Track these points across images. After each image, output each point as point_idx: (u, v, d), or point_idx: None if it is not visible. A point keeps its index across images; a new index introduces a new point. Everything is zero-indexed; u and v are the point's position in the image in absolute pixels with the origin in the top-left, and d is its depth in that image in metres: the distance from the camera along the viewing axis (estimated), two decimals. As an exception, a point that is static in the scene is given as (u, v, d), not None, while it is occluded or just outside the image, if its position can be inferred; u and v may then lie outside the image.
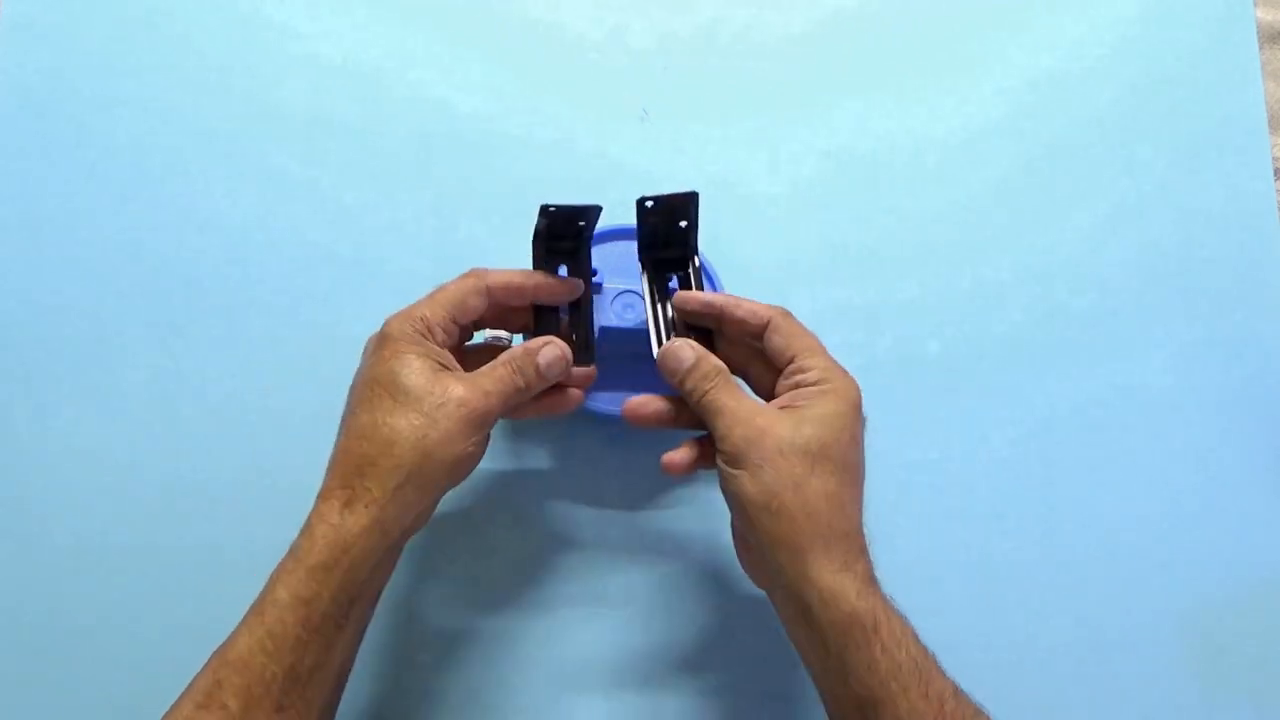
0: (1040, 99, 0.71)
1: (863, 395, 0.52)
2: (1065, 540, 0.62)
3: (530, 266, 0.56)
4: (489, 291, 0.53)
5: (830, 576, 0.47)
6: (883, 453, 0.63)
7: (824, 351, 0.53)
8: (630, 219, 0.56)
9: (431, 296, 0.53)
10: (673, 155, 0.69)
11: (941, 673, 0.48)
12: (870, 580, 0.48)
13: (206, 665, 0.46)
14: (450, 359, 0.52)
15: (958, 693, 0.48)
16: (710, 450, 0.52)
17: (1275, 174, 0.69)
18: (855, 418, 0.51)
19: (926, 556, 0.62)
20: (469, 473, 0.51)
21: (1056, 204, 0.69)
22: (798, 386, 0.51)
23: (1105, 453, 0.64)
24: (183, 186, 0.67)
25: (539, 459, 0.63)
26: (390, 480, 0.47)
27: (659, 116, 0.70)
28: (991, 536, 0.63)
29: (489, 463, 0.62)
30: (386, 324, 0.51)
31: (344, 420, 0.51)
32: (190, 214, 0.66)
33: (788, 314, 0.54)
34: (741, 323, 0.54)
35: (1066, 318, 0.67)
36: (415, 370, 0.49)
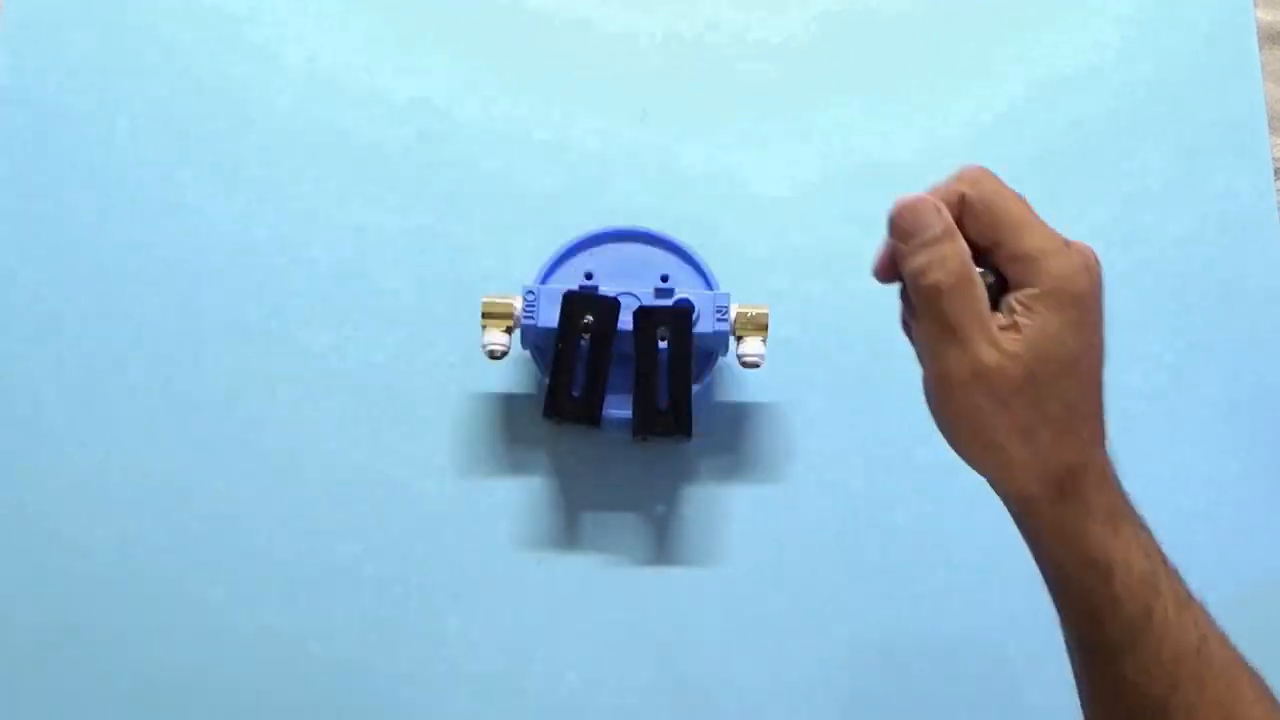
0: (1040, 99, 0.71)
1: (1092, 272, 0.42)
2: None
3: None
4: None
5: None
6: (880, 453, 0.64)
7: (1032, 228, 0.42)
8: (628, 221, 0.56)
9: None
10: (673, 155, 0.69)
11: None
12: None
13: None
14: None
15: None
16: None
17: (1275, 174, 0.69)
18: (1085, 325, 0.41)
19: (924, 556, 0.62)
20: None
21: (1056, 204, 0.67)
22: (1013, 306, 0.41)
23: (1104, 453, 0.64)
24: (180, 190, 0.67)
25: (539, 462, 0.63)
26: None
27: (659, 116, 0.70)
28: (990, 535, 0.62)
29: (490, 470, 0.62)
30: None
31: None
32: (187, 217, 0.66)
33: (981, 178, 0.42)
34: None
35: (1066, 318, 0.67)
36: None
